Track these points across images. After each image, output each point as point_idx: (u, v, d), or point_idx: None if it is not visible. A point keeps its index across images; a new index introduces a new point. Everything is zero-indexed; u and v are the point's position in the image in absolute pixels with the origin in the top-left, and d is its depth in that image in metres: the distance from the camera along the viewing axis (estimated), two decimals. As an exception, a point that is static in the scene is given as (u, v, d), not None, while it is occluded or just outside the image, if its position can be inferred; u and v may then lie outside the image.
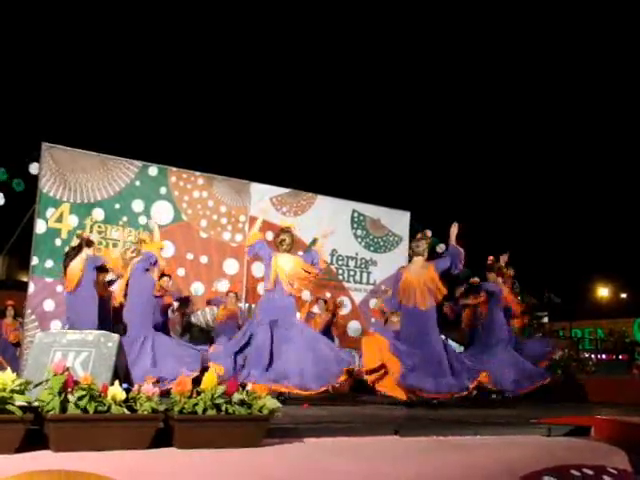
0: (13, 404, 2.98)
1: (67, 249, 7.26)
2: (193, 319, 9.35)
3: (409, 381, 6.51)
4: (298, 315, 7.66)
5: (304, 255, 6.98)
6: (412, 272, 6.98)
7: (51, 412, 3.03)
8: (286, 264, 6.49)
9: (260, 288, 9.70)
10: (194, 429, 3.32)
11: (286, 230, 6.77)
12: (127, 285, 7.08)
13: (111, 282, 7.62)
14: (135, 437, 3.18)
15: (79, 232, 7.66)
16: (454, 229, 7.20)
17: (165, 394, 3.64)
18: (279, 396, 5.76)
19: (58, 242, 8.36)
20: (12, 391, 3.02)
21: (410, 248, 7.56)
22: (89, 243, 7.11)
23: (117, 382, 3.31)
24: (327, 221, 9.84)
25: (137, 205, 9.02)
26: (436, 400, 6.65)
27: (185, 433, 3.30)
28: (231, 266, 9.57)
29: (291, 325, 6.45)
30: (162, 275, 8.12)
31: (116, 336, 3.99)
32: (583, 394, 9.61)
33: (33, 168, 8.39)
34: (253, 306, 9.56)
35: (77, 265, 6.87)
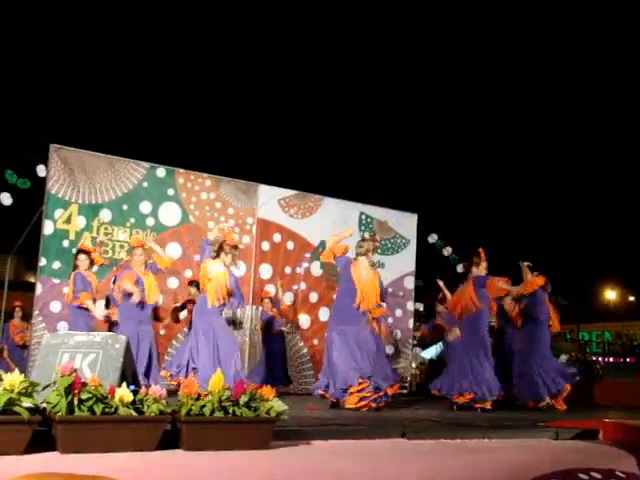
0: (20, 405, 2.99)
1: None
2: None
3: None
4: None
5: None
6: None
7: (58, 413, 3.04)
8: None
9: (267, 290, 9.70)
10: (201, 431, 3.32)
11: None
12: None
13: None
14: (142, 439, 3.19)
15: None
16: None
17: None
18: None
19: (66, 243, 8.36)
20: (19, 393, 3.03)
21: None
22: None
23: (124, 384, 3.32)
24: (334, 223, 9.82)
25: (145, 206, 9.02)
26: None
27: (192, 435, 3.30)
28: (239, 268, 9.54)
29: None
30: (190, 282, 8.53)
31: (123, 338, 3.99)
32: (591, 397, 9.57)
33: (41, 170, 8.39)
34: (260, 309, 9.54)
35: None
